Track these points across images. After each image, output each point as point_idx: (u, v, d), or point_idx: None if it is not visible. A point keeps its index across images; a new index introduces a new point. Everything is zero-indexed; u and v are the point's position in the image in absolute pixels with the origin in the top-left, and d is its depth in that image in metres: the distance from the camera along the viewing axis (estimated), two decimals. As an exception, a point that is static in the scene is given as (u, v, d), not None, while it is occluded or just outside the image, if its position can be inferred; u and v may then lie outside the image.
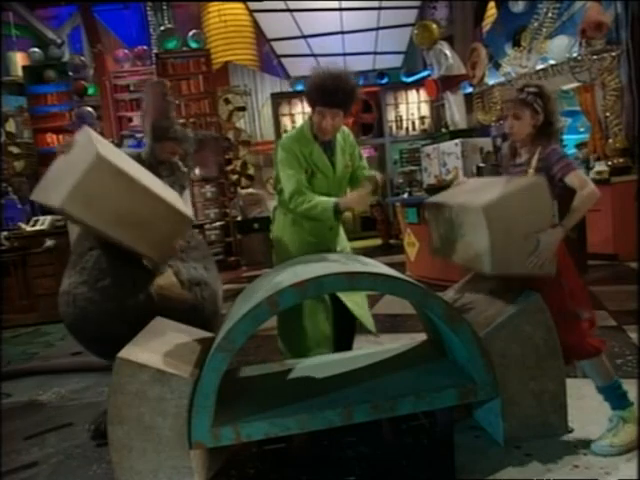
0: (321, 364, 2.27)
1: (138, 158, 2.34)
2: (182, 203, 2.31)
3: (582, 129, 6.77)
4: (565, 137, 6.31)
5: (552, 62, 6.30)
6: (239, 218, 8.32)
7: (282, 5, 10.51)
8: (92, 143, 2.03)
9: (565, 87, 6.41)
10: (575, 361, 1.99)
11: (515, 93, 2.10)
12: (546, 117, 2.02)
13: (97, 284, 2.20)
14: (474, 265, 2.12)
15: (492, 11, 8.47)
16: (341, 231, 2.59)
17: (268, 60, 11.93)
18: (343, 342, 2.51)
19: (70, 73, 8.07)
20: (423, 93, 10.10)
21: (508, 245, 1.89)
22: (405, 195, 8.03)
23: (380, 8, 10.65)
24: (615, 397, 1.92)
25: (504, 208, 1.89)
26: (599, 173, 5.46)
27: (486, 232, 1.87)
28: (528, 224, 1.89)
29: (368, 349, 2.50)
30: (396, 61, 11.95)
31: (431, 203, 2.50)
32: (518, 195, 1.90)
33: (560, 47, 6.16)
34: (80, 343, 2.37)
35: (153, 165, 2.35)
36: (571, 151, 6.55)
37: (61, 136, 8.10)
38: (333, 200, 2.23)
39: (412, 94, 10.67)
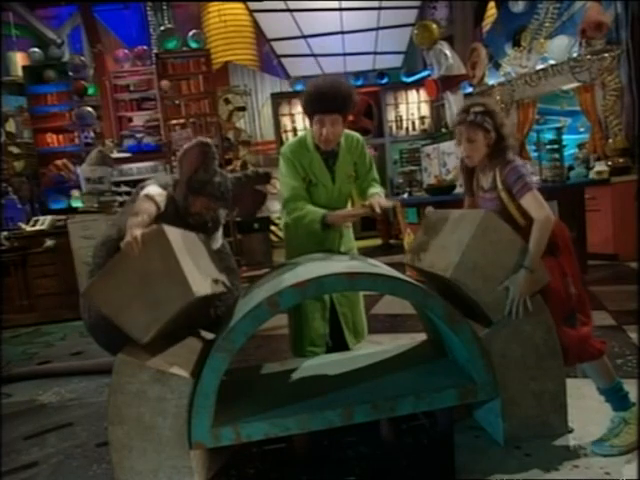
0: (321, 364, 2.27)
1: (171, 199, 2.15)
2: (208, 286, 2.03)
3: (582, 129, 6.77)
4: (565, 137, 6.30)
5: (552, 62, 6.31)
6: (239, 218, 8.31)
7: (282, 5, 10.50)
8: (179, 268, 1.75)
9: (565, 87, 6.41)
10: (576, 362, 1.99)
11: (461, 116, 2.03)
12: (498, 134, 1.98)
13: None
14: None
15: (492, 11, 8.46)
16: (348, 232, 2.58)
17: (268, 60, 11.93)
18: (338, 341, 2.49)
19: (70, 73, 8.06)
20: (423, 93, 10.10)
21: (489, 287, 1.89)
22: (405, 195, 8.05)
23: (380, 8, 10.65)
24: (617, 399, 1.91)
25: (469, 260, 1.88)
26: (599, 173, 5.46)
27: (469, 291, 1.89)
28: (498, 256, 1.89)
29: (368, 349, 2.50)
30: (396, 61, 11.95)
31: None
32: (474, 240, 1.88)
33: (560, 47, 6.16)
34: (99, 345, 2.34)
35: (180, 213, 2.17)
36: (571, 151, 6.55)
37: (61, 136, 8.11)
38: (322, 212, 2.25)
39: (412, 94, 10.67)
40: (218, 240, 2.41)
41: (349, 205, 2.61)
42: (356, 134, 2.49)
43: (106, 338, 2.09)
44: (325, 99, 2.21)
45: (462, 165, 2.16)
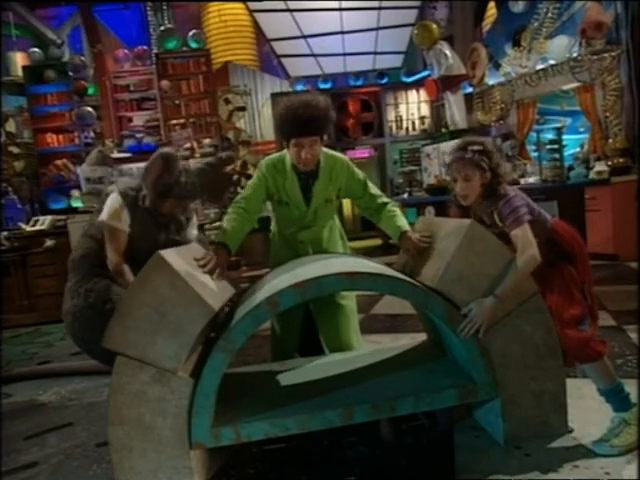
0: (321, 364, 2.27)
1: (134, 201, 2.20)
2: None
3: (582, 129, 6.77)
4: (565, 137, 6.31)
5: (552, 62, 6.31)
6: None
7: (282, 5, 10.51)
8: (191, 289, 1.73)
9: (565, 87, 6.41)
10: (577, 363, 1.98)
11: (458, 153, 1.99)
12: (493, 174, 1.95)
13: (105, 306, 2.12)
14: None
15: (492, 11, 8.47)
16: (336, 237, 2.52)
17: (268, 60, 11.93)
18: (311, 346, 2.48)
19: (70, 73, 8.06)
20: (423, 93, 10.12)
21: (475, 297, 1.88)
22: (405, 195, 8.06)
23: (380, 8, 10.65)
24: (617, 400, 1.90)
25: (454, 270, 1.88)
26: (599, 173, 5.46)
27: (455, 301, 1.89)
28: (484, 267, 1.88)
29: (368, 349, 2.50)
30: (396, 61, 11.95)
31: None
32: (460, 250, 1.87)
33: (560, 47, 6.16)
34: (93, 359, 2.34)
35: (152, 214, 2.22)
36: (571, 151, 6.56)
37: (61, 136, 8.11)
38: (221, 239, 2.15)
39: (412, 94, 10.69)
40: (194, 227, 2.47)
41: (336, 222, 2.54)
42: (340, 156, 2.34)
43: (103, 352, 2.12)
44: (302, 122, 2.07)
45: (455, 202, 2.10)
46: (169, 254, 1.81)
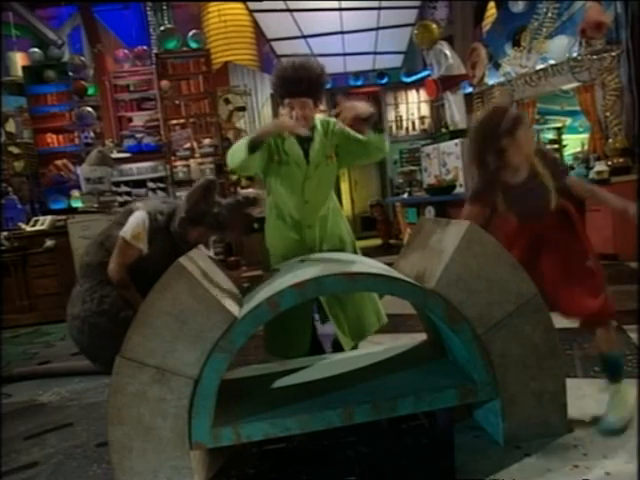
0: (321, 364, 2.27)
1: (161, 226, 2.22)
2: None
3: (582, 129, 6.77)
4: (565, 137, 6.31)
5: (552, 62, 6.31)
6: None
7: (282, 5, 10.49)
8: (211, 296, 1.76)
9: (565, 87, 6.41)
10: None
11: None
12: None
13: (120, 314, 2.12)
14: None
15: (492, 11, 8.46)
16: (338, 228, 2.50)
17: (268, 60, 11.92)
18: (311, 346, 2.45)
19: (70, 73, 8.08)
20: (423, 93, 10.12)
21: (473, 300, 1.88)
22: (405, 195, 8.05)
23: (380, 8, 10.63)
24: (616, 367, 2.00)
25: (452, 272, 1.87)
26: (599, 173, 5.46)
27: (453, 303, 1.88)
28: (482, 269, 1.88)
29: (368, 349, 2.50)
30: (396, 61, 11.94)
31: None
32: (458, 253, 1.87)
33: (560, 47, 6.16)
34: (95, 364, 2.32)
35: (175, 239, 2.23)
36: (571, 151, 6.56)
37: (61, 136, 8.11)
38: (251, 137, 2.16)
39: (412, 94, 10.70)
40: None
41: (332, 200, 2.51)
42: (332, 119, 2.42)
43: (110, 358, 2.12)
44: (293, 82, 2.17)
45: (500, 183, 2.08)
46: (188, 262, 1.81)
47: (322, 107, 2.35)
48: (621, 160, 5.53)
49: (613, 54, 5.66)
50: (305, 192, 2.35)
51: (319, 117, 2.40)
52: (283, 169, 2.34)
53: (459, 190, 6.55)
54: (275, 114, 10.01)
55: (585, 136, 6.57)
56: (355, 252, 2.54)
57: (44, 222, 5.65)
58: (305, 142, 2.33)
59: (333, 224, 2.47)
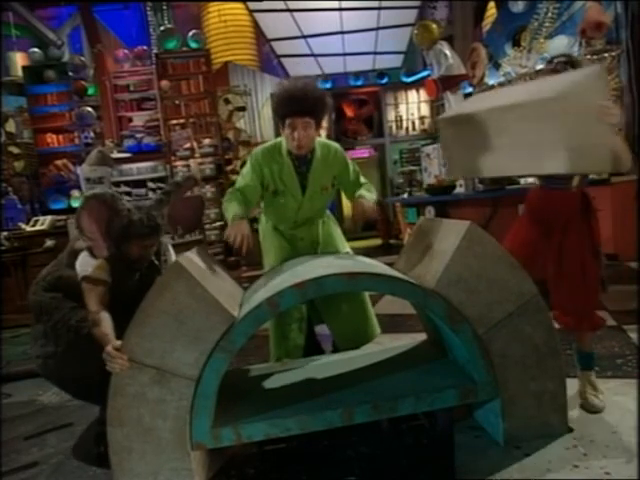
0: (321, 364, 2.27)
1: (111, 262, 2.01)
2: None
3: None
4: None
5: (552, 62, 6.31)
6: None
7: (282, 5, 10.49)
8: (210, 296, 1.74)
9: (565, 87, 6.40)
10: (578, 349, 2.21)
11: (546, 66, 2.13)
12: None
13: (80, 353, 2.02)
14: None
15: (492, 11, 8.46)
16: (333, 233, 2.53)
17: (268, 60, 11.91)
18: (311, 346, 2.49)
19: (70, 73, 8.07)
20: (423, 93, 10.11)
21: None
22: (405, 195, 8.05)
23: (380, 8, 10.63)
24: (590, 358, 2.21)
25: (453, 272, 1.86)
26: (599, 173, 5.45)
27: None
28: (483, 269, 1.88)
29: (368, 349, 2.50)
30: (396, 61, 11.95)
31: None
32: (458, 253, 1.86)
33: (560, 47, 6.15)
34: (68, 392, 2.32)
35: (124, 261, 2.06)
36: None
37: (61, 136, 8.11)
38: (235, 214, 2.11)
39: (412, 94, 10.69)
40: (172, 254, 2.34)
41: (332, 217, 2.58)
42: (334, 144, 2.39)
43: (79, 390, 2.06)
44: (296, 101, 2.13)
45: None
46: (187, 262, 1.81)
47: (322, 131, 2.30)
48: (621, 160, 5.52)
49: (613, 54, 5.65)
50: (299, 217, 2.38)
51: (319, 140, 2.34)
52: (278, 199, 2.34)
53: (459, 190, 6.54)
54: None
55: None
56: None
57: (44, 222, 5.65)
58: (303, 164, 2.30)
59: (326, 234, 2.51)
